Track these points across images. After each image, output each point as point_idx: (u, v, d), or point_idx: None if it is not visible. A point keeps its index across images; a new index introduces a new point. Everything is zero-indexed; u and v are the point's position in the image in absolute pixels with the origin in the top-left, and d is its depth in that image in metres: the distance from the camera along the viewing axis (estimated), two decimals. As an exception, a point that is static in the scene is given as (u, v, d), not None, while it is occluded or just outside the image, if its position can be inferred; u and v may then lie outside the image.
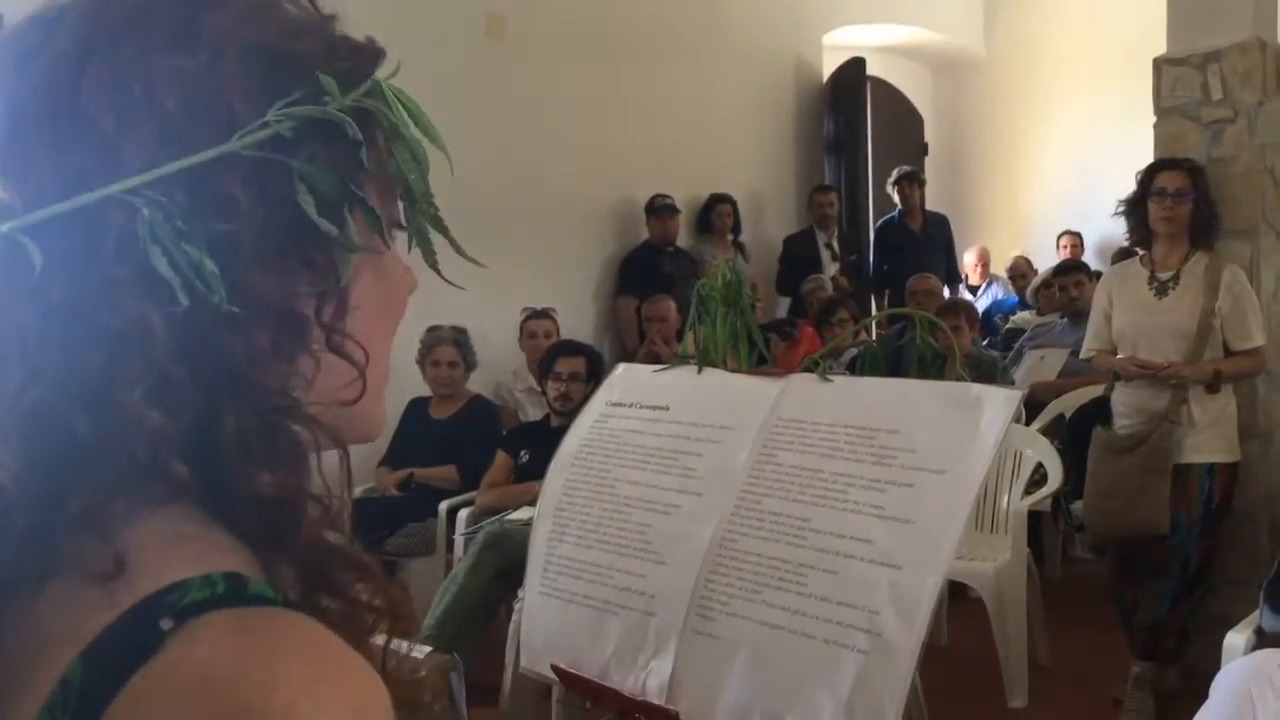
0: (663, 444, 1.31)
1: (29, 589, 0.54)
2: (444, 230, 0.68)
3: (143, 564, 0.53)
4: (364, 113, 0.62)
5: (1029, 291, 7.21)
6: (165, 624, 0.51)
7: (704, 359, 1.36)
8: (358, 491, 4.86)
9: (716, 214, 6.96)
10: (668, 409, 1.34)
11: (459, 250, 0.71)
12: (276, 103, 0.59)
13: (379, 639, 0.65)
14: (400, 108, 0.65)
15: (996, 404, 1.15)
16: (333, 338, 0.61)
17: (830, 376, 1.26)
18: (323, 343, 0.61)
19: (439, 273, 0.69)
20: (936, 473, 1.14)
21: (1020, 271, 7.85)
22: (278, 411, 0.58)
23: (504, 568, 3.76)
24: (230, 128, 0.57)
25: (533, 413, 5.13)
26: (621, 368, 1.37)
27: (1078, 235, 8.10)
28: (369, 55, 0.66)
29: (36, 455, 0.53)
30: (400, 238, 0.69)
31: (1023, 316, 7.10)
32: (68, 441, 0.53)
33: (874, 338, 5.79)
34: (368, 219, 0.63)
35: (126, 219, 0.55)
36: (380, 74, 0.66)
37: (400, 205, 0.67)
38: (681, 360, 1.36)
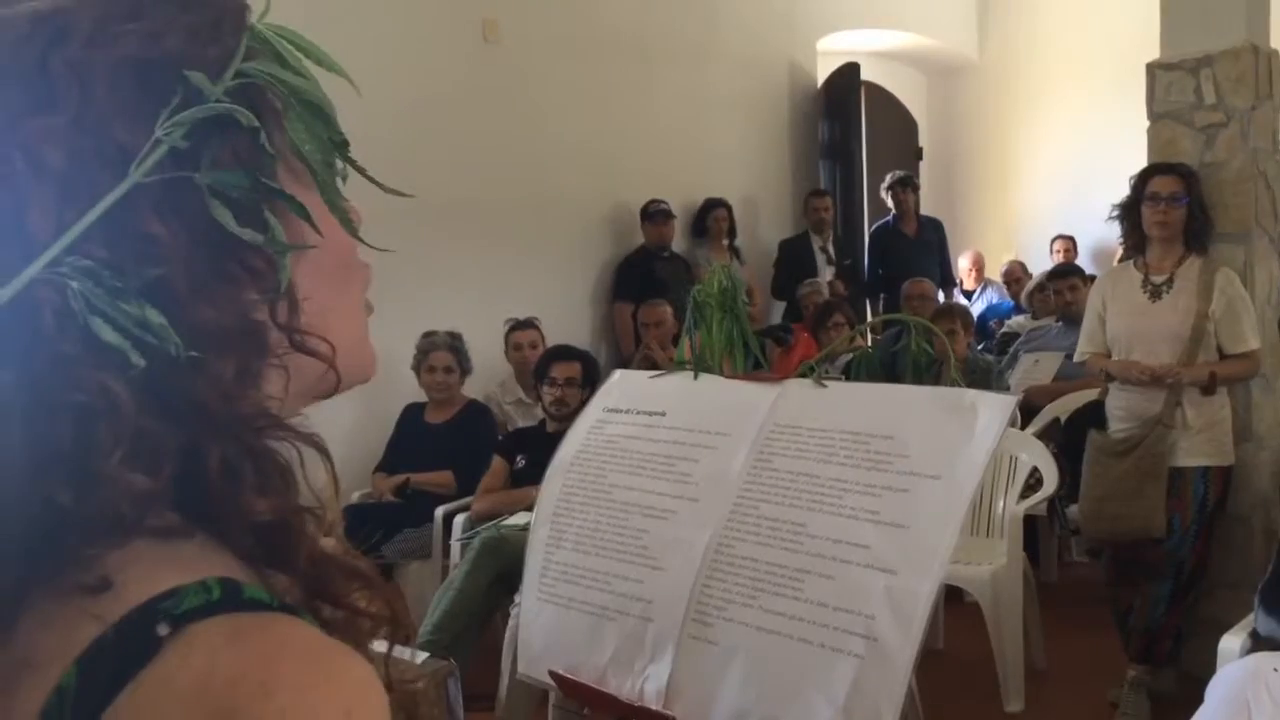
0: (659, 449, 1.31)
1: (2, 625, 0.54)
2: (336, 199, 0.64)
3: (131, 578, 0.53)
4: (251, 88, 0.59)
5: (1024, 295, 7.23)
6: (162, 630, 0.51)
7: (700, 365, 1.36)
8: (354, 497, 4.86)
9: (712, 219, 6.97)
10: (664, 415, 1.34)
11: (382, 187, 0.67)
12: (161, 115, 0.56)
13: (380, 645, 0.64)
14: (287, 46, 0.62)
15: (991, 409, 1.16)
16: (293, 337, 0.60)
17: (825, 382, 1.27)
18: (285, 344, 0.60)
19: (361, 239, 0.66)
20: (931, 478, 1.15)
21: (1015, 276, 7.87)
22: (259, 434, 0.58)
23: (501, 573, 3.76)
24: (125, 160, 0.55)
25: (522, 424, 5.13)
26: (617, 373, 1.37)
27: (1071, 240, 8.13)
28: (234, 17, 0.61)
29: (16, 527, 0.53)
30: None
31: (1017, 321, 7.12)
32: (51, 512, 0.52)
33: (869, 343, 5.79)
34: (292, 208, 0.60)
35: (57, 294, 0.53)
36: (255, 17, 0.63)
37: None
38: (678, 366, 1.37)
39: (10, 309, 0.53)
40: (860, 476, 1.16)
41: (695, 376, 1.37)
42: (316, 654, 0.53)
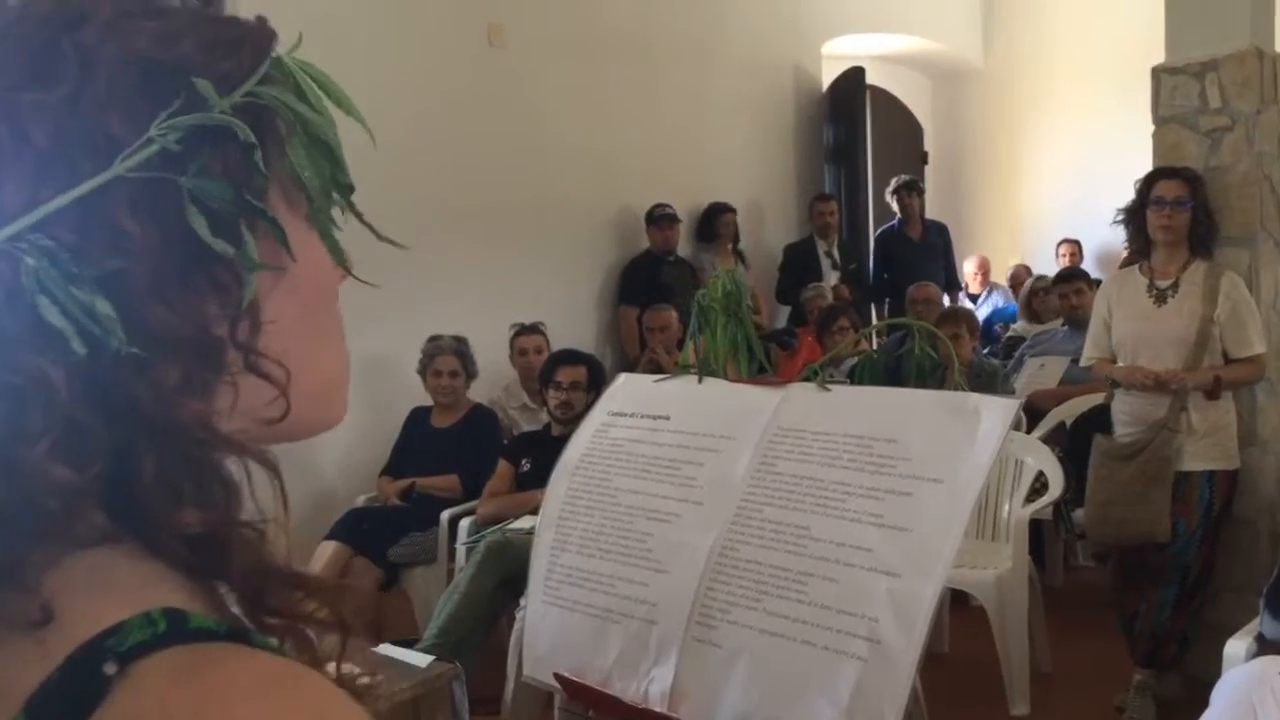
0: (664, 453, 1.31)
1: None
2: (329, 230, 0.64)
3: (73, 608, 0.51)
4: (259, 109, 0.59)
5: (1019, 303, 7.22)
6: (109, 669, 0.50)
7: (705, 369, 1.37)
8: (360, 500, 4.87)
9: (722, 222, 6.98)
10: (669, 418, 1.35)
11: (379, 235, 0.67)
12: (159, 115, 0.55)
13: (331, 647, 0.62)
14: (309, 81, 0.62)
15: (994, 413, 1.16)
16: (249, 357, 0.58)
17: (829, 386, 1.27)
18: (240, 364, 0.58)
19: (350, 271, 0.65)
20: (934, 481, 1.15)
21: (1020, 280, 7.86)
22: (199, 445, 0.56)
23: (506, 577, 3.76)
24: (112, 151, 0.54)
25: (526, 428, 5.14)
26: (623, 377, 1.37)
27: (1076, 243, 8.12)
28: (258, 41, 0.61)
29: None
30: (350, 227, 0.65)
31: (1023, 325, 7.12)
32: None
33: (874, 347, 5.79)
34: (270, 230, 0.59)
35: (10, 269, 0.52)
36: (284, 49, 0.62)
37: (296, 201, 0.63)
38: (683, 370, 1.37)
39: None
40: (863, 480, 1.17)
41: (700, 380, 1.37)
42: (271, 682, 0.51)
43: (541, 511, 1.28)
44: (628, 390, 1.37)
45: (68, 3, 0.57)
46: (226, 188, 0.57)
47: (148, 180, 0.54)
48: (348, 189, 0.64)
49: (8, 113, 0.53)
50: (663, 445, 1.32)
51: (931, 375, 1.36)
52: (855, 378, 1.41)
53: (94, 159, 0.54)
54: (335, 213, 0.65)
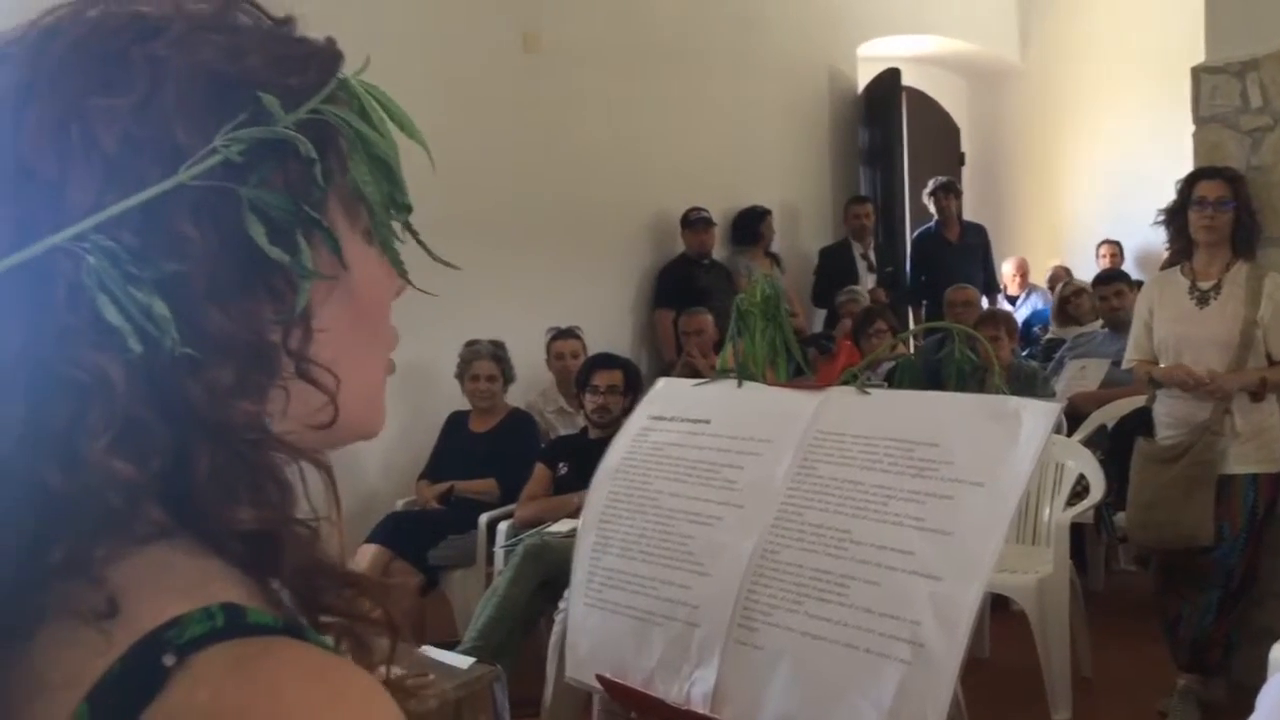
0: (704, 457, 1.32)
1: (19, 638, 0.54)
2: (402, 241, 0.65)
3: (137, 601, 0.53)
4: (322, 125, 0.60)
5: (1052, 308, 7.15)
6: (168, 660, 0.51)
7: (743, 373, 1.37)
8: (399, 504, 4.91)
9: (755, 226, 6.98)
10: (708, 422, 1.36)
11: (433, 256, 0.69)
12: (224, 127, 0.57)
13: (383, 650, 0.64)
14: (374, 103, 0.63)
15: (1035, 416, 1.16)
16: (300, 364, 0.60)
17: (868, 390, 1.28)
18: (292, 370, 0.60)
19: (410, 282, 0.67)
20: (975, 485, 1.15)
21: (1060, 281, 7.79)
22: (253, 445, 0.57)
23: (544, 579, 3.78)
24: (176, 159, 0.56)
25: (564, 432, 5.16)
26: (662, 382, 1.38)
27: (1117, 244, 8.03)
28: (324, 60, 0.63)
29: (11, 508, 0.53)
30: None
31: (1056, 328, 7.06)
32: (41, 493, 0.53)
33: (912, 350, 5.77)
34: (325, 240, 0.60)
35: (74, 267, 0.53)
36: (350, 71, 0.64)
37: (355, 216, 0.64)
38: (721, 374, 1.38)
39: (27, 272, 0.54)
40: (904, 483, 1.17)
41: (739, 384, 1.38)
42: (320, 676, 0.53)
43: (583, 514, 1.29)
44: (667, 394, 1.38)
45: (142, 16, 0.59)
46: (285, 199, 0.58)
47: (209, 189, 0.56)
48: (405, 209, 0.66)
49: (79, 117, 0.55)
50: (703, 449, 1.33)
51: (971, 378, 1.36)
52: (894, 381, 1.41)
53: (159, 166, 0.56)
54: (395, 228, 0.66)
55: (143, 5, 0.60)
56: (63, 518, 0.53)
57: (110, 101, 0.56)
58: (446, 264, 0.68)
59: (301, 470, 0.60)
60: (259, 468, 0.57)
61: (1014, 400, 1.18)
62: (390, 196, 0.64)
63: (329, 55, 0.63)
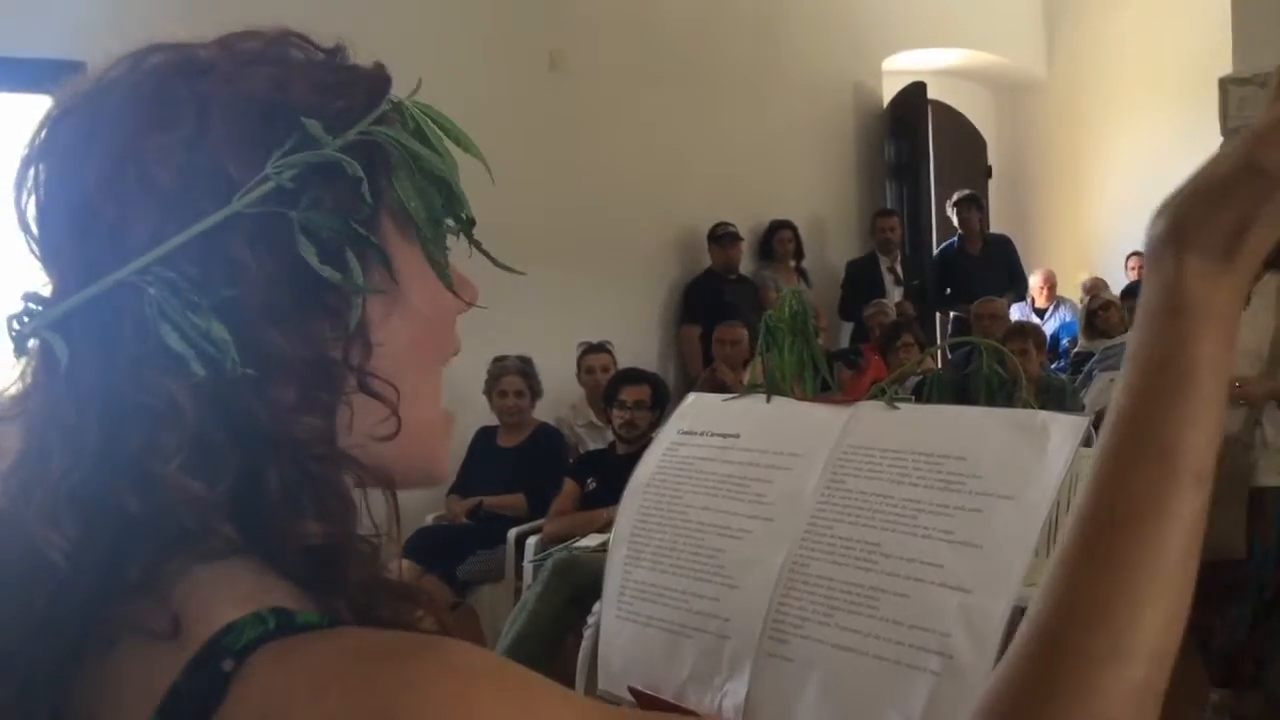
0: (733, 471, 1.33)
1: (96, 654, 0.56)
2: (442, 259, 0.67)
3: (201, 613, 0.55)
4: (372, 145, 0.62)
5: (1080, 322, 7.09)
6: (227, 665, 0.53)
7: (772, 387, 1.39)
8: (429, 519, 4.94)
9: (778, 240, 6.99)
10: (738, 436, 1.37)
11: (495, 262, 0.70)
12: (274, 154, 0.59)
13: None
14: (429, 123, 0.65)
15: (1063, 429, 1.17)
16: (361, 378, 0.62)
17: (897, 404, 1.29)
18: (354, 384, 0.61)
19: (454, 291, 0.67)
20: (1005, 498, 1.16)
21: (1098, 291, 7.67)
22: (319, 461, 0.59)
23: (573, 594, 3.79)
24: (230, 189, 0.58)
25: (593, 447, 5.18)
26: (691, 397, 1.40)
27: None
28: (373, 84, 0.65)
29: (89, 532, 0.55)
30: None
31: (1085, 342, 7.02)
32: (118, 516, 0.55)
33: (939, 364, 5.76)
34: (375, 256, 0.62)
35: (136, 300, 0.56)
36: (402, 92, 0.66)
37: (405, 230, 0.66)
38: (750, 389, 1.40)
39: (94, 308, 0.57)
40: (933, 497, 1.17)
41: (768, 399, 1.39)
42: (363, 652, 0.54)
43: (615, 528, 1.31)
44: (697, 409, 1.40)
45: (194, 58, 0.62)
46: (335, 219, 0.60)
47: (262, 215, 0.58)
48: (468, 222, 0.68)
49: (135, 156, 0.58)
50: (732, 463, 1.34)
51: (1000, 392, 1.37)
52: (922, 395, 1.43)
53: (213, 197, 0.58)
54: (451, 240, 0.67)
55: (199, 49, 0.63)
56: (139, 537, 0.56)
57: (163, 139, 0.58)
58: (509, 269, 0.69)
59: (364, 488, 0.62)
60: (325, 483, 0.59)
61: (1042, 414, 1.19)
62: (447, 211, 0.66)
63: (378, 79, 0.65)
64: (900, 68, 8.32)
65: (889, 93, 8.15)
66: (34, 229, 0.62)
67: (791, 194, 7.31)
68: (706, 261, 6.67)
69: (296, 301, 0.59)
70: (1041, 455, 1.14)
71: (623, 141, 6.27)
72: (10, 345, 0.59)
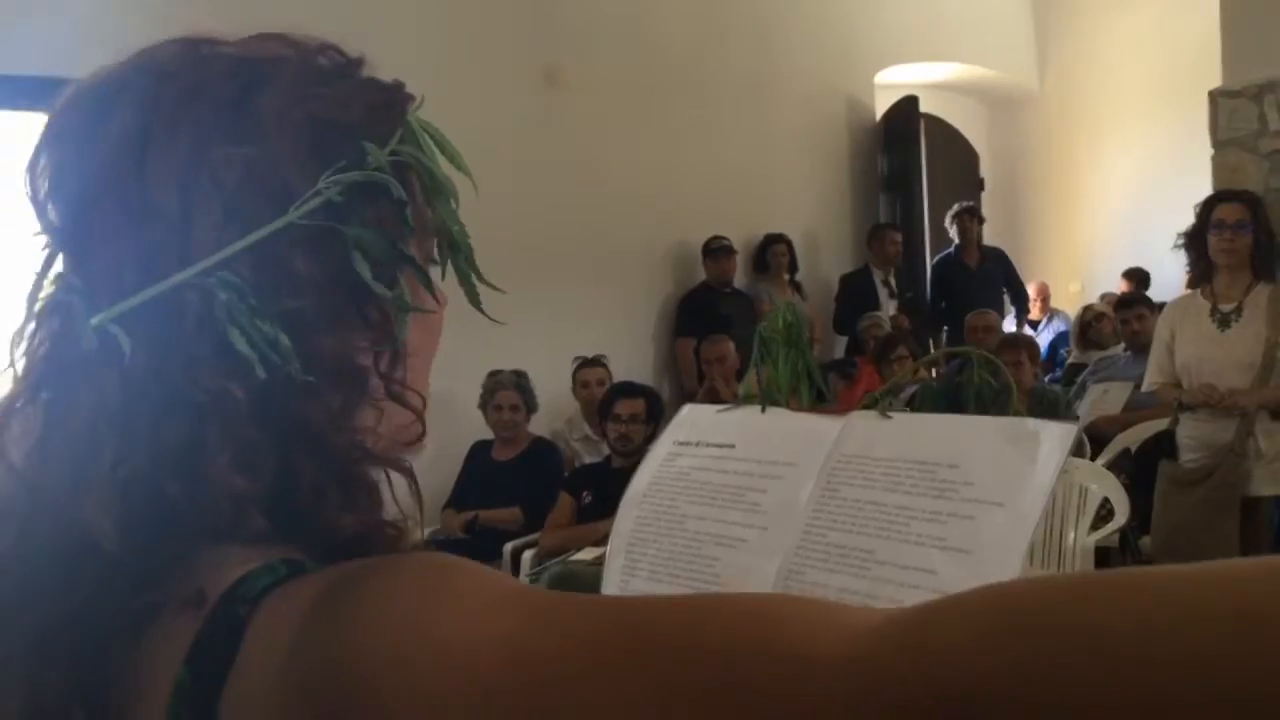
0: (729, 480, 1.34)
1: (135, 631, 0.59)
2: (478, 273, 0.71)
3: (219, 580, 0.58)
4: (401, 165, 0.65)
5: (1073, 334, 7.09)
6: (242, 611, 0.56)
7: (767, 398, 1.40)
8: (425, 533, 4.93)
9: (773, 254, 7.01)
10: (733, 446, 1.38)
11: (487, 284, 0.72)
12: (325, 171, 0.62)
13: None
14: (428, 139, 0.68)
15: (1054, 437, 1.18)
16: (391, 387, 0.65)
17: (890, 414, 1.30)
18: (382, 391, 0.65)
19: (484, 313, 0.71)
20: (996, 505, 1.17)
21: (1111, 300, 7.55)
22: (353, 462, 0.63)
23: (570, 608, 3.79)
24: (286, 200, 0.61)
25: (588, 461, 5.19)
26: (687, 408, 1.41)
27: (1139, 273, 7.83)
28: (402, 104, 0.68)
29: (134, 518, 0.58)
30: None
31: (1078, 353, 7.04)
32: (161, 504, 0.58)
33: (933, 376, 5.78)
34: (417, 276, 0.66)
35: (203, 301, 0.59)
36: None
37: (436, 248, 0.70)
38: (745, 400, 1.41)
39: (159, 308, 0.59)
40: (926, 504, 1.19)
41: (762, 410, 1.41)
42: (369, 562, 0.57)
43: (611, 538, 1.32)
44: (692, 420, 1.41)
45: (247, 63, 0.65)
46: (382, 237, 0.63)
47: (317, 228, 0.61)
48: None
49: (201, 161, 0.61)
50: (728, 473, 1.35)
51: (993, 403, 1.38)
52: (915, 406, 1.44)
53: (272, 207, 0.61)
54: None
55: (246, 48, 0.66)
56: (179, 524, 0.58)
57: (228, 149, 0.61)
58: (494, 287, 0.72)
59: (389, 477, 0.66)
60: (356, 480, 0.63)
61: (1032, 422, 1.20)
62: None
63: (403, 99, 0.68)
64: (892, 81, 8.37)
65: (881, 107, 8.19)
66: (57, 211, 0.64)
67: (785, 208, 7.34)
68: (701, 275, 6.70)
69: (343, 311, 0.63)
70: (1032, 462, 1.16)
71: (617, 156, 6.29)
72: (55, 330, 0.61)
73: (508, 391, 4.97)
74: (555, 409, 5.52)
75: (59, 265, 0.64)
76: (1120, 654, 0.44)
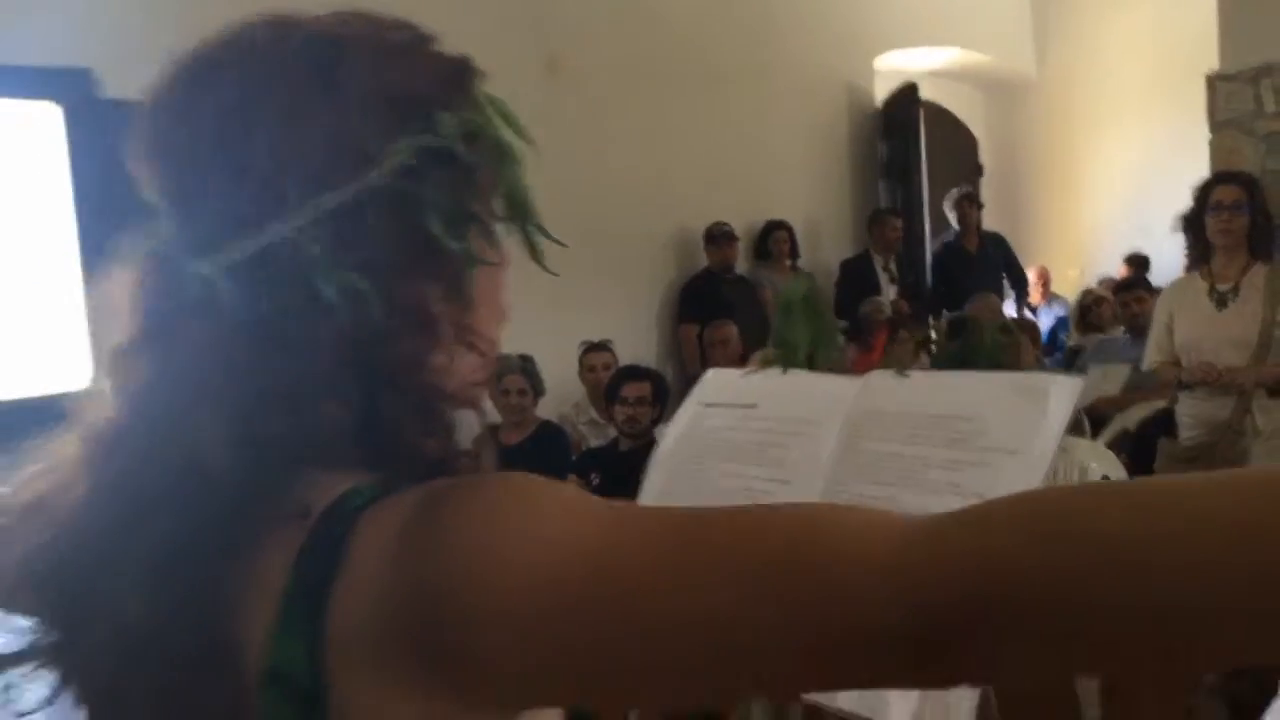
0: (753, 438, 1.41)
1: (246, 550, 0.65)
2: (547, 234, 0.78)
3: (322, 497, 0.65)
4: (469, 132, 0.71)
5: (1072, 318, 7.15)
6: (343, 524, 0.63)
7: (788, 360, 1.47)
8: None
9: (774, 240, 7.06)
10: (756, 406, 1.45)
11: (552, 238, 0.79)
12: (401, 137, 0.68)
13: None
14: (493, 110, 0.74)
15: (1063, 390, 1.25)
16: (463, 335, 0.72)
17: (906, 373, 1.37)
18: (453, 339, 0.71)
19: (546, 268, 0.79)
20: (1010, 453, 1.24)
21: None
22: (428, 397, 0.69)
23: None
24: (366, 165, 0.67)
25: (596, 444, 5.24)
26: (711, 373, 1.48)
27: (1138, 258, 7.89)
28: (469, 76, 0.74)
29: (242, 446, 0.64)
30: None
31: (1078, 337, 7.10)
32: (264, 434, 0.64)
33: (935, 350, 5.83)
34: (483, 234, 0.73)
35: (294, 253, 0.65)
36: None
37: (501, 212, 0.75)
38: (765, 363, 1.47)
39: (258, 259, 0.66)
40: (943, 453, 1.26)
41: (783, 371, 1.47)
42: (458, 481, 0.63)
43: (642, 494, 1.39)
44: (716, 383, 1.48)
45: (323, 38, 0.71)
46: (451, 198, 0.70)
47: (393, 188, 0.68)
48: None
49: (296, 127, 0.68)
50: (751, 431, 1.42)
51: (1005, 360, 1.45)
52: (931, 365, 1.50)
53: (353, 170, 0.67)
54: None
55: (326, 25, 0.72)
56: (282, 450, 0.65)
57: (323, 114, 0.68)
58: (559, 242, 0.79)
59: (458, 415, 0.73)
60: (433, 413, 0.70)
61: (1042, 375, 1.28)
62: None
63: (472, 70, 0.75)
64: (891, 68, 8.40)
65: (881, 93, 8.22)
66: (160, 173, 0.70)
67: (786, 194, 7.38)
68: (703, 261, 6.74)
69: (416, 265, 0.69)
70: (1043, 414, 1.23)
71: (619, 143, 6.33)
72: (161, 279, 0.68)
73: (515, 376, 5.02)
74: (561, 394, 5.57)
75: (158, 224, 0.71)
76: (1128, 559, 0.49)
